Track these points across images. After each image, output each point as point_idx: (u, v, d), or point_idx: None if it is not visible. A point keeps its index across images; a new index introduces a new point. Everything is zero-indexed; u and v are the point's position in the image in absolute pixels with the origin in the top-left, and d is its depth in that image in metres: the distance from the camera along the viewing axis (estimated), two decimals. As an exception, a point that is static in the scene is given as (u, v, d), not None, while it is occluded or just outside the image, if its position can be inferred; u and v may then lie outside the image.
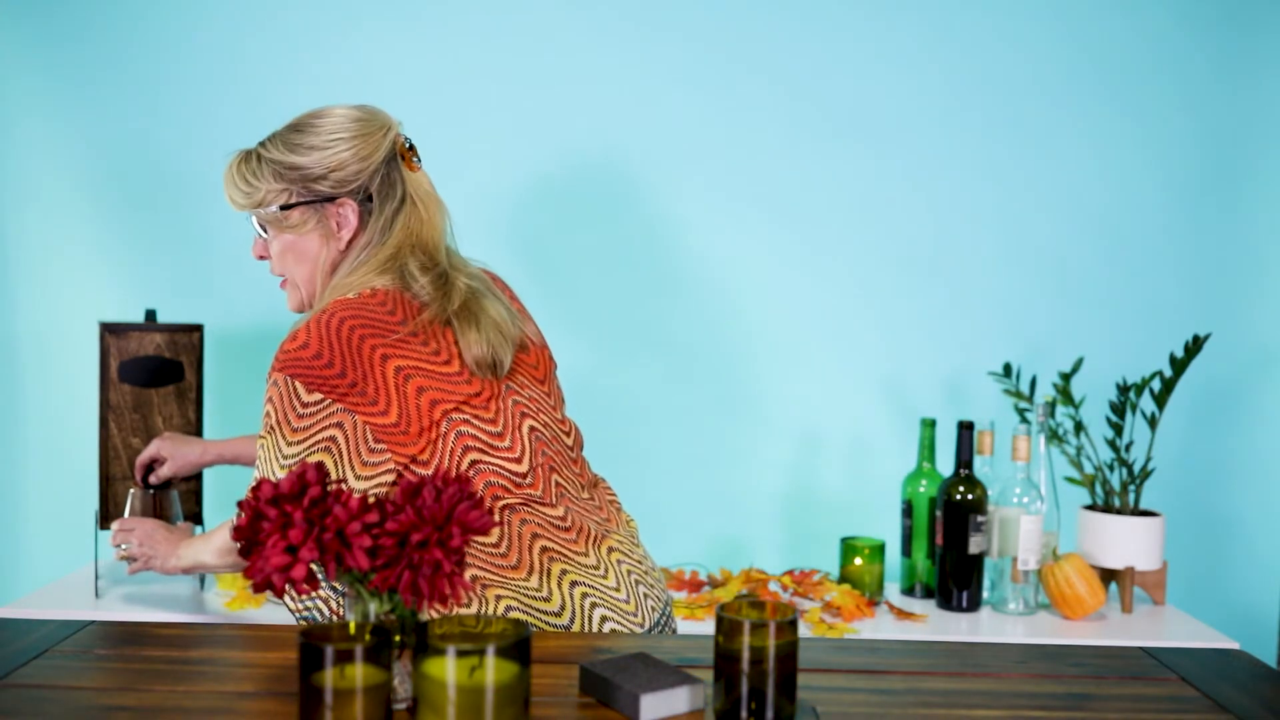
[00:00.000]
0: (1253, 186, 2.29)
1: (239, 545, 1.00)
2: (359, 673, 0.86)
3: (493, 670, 0.85)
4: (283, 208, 1.49)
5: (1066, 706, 1.07)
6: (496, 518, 1.41)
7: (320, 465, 0.94)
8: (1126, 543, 2.03)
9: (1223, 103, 2.28)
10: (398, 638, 0.96)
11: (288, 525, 0.91)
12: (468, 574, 1.37)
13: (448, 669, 0.85)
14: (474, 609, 1.36)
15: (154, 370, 2.01)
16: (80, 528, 2.15)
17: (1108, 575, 2.06)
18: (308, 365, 1.38)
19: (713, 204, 2.29)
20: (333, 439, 1.37)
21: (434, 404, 1.39)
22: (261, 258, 1.56)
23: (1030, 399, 2.12)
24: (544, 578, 1.38)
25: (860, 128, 2.28)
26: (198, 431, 2.04)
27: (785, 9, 2.26)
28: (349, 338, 1.38)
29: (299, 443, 1.37)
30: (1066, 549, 2.19)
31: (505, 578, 1.37)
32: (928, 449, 2.12)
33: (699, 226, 2.30)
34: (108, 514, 2.00)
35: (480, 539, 1.39)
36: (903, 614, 1.99)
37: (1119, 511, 2.07)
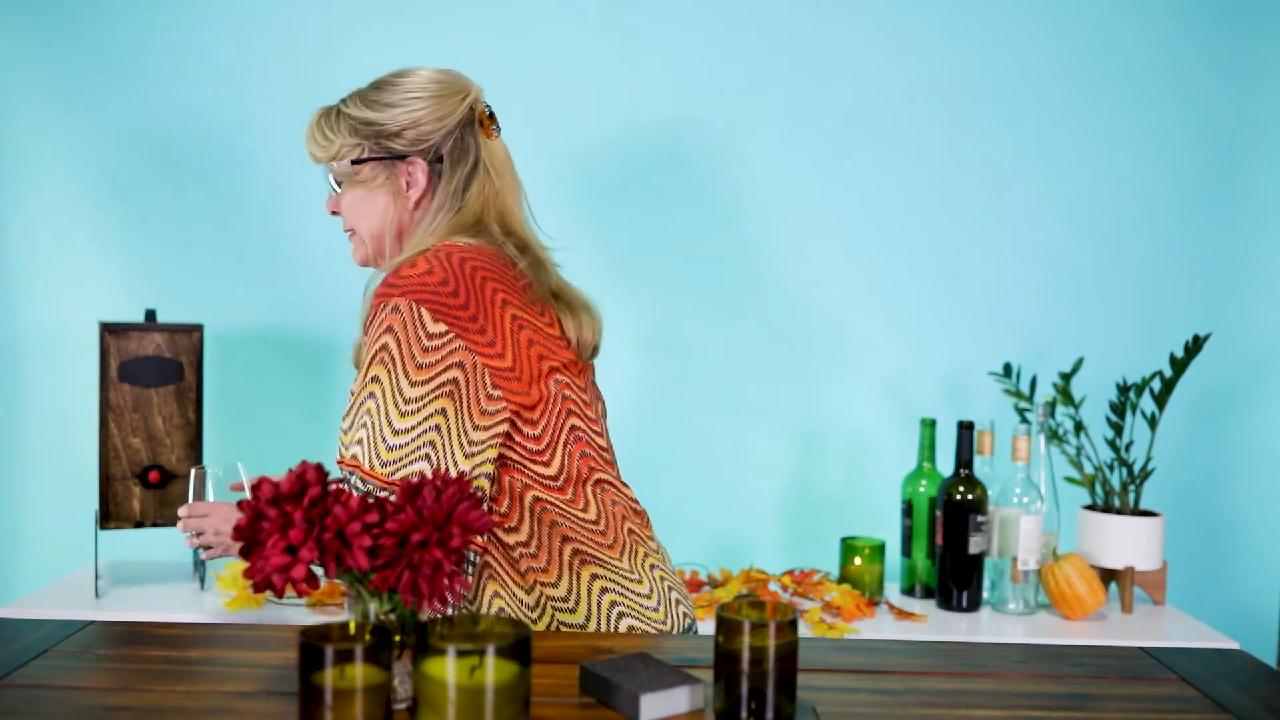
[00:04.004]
0: (1253, 186, 2.29)
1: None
2: (359, 673, 0.86)
3: (493, 670, 0.85)
4: (354, 162, 1.48)
5: (1066, 706, 1.07)
6: (589, 493, 1.41)
7: (320, 466, 0.94)
8: (1126, 543, 2.03)
9: (1223, 103, 2.28)
10: (398, 638, 0.96)
11: (288, 525, 0.90)
12: (568, 548, 1.38)
13: (448, 669, 0.85)
14: (562, 588, 1.37)
15: (154, 370, 2.01)
16: (80, 528, 2.15)
17: (1108, 575, 2.06)
18: (434, 292, 1.32)
19: (712, 204, 2.29)
20: (455, 381, 1.31)
21: (541, 359, 1.38)
22: (334, 213, 1.55)
23: (1030, 399, 2.12)
24: (631, 557, 1.41)
25: (859, 128, 2.28)
26: (198, 431, 2.04)
27: (785, 10, 2.26)
28: (471, 275, 1.35)
29: (424, 383, 1.30)
30: (1066, 549, 2.19)
31: (603, 557, 1.39)
32: (928, 449, 2.12)
33: (697, 226, 2.30)
34: (108, 514, 2.00)
35: (581, 513, 1.39)
36: (903, 614, 1.99)
37: (1119, 511, 2.07)
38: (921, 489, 2.11)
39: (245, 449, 2.21)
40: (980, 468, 2.07)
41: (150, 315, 2.04)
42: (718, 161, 2.29)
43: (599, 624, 1.37)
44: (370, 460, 1.29)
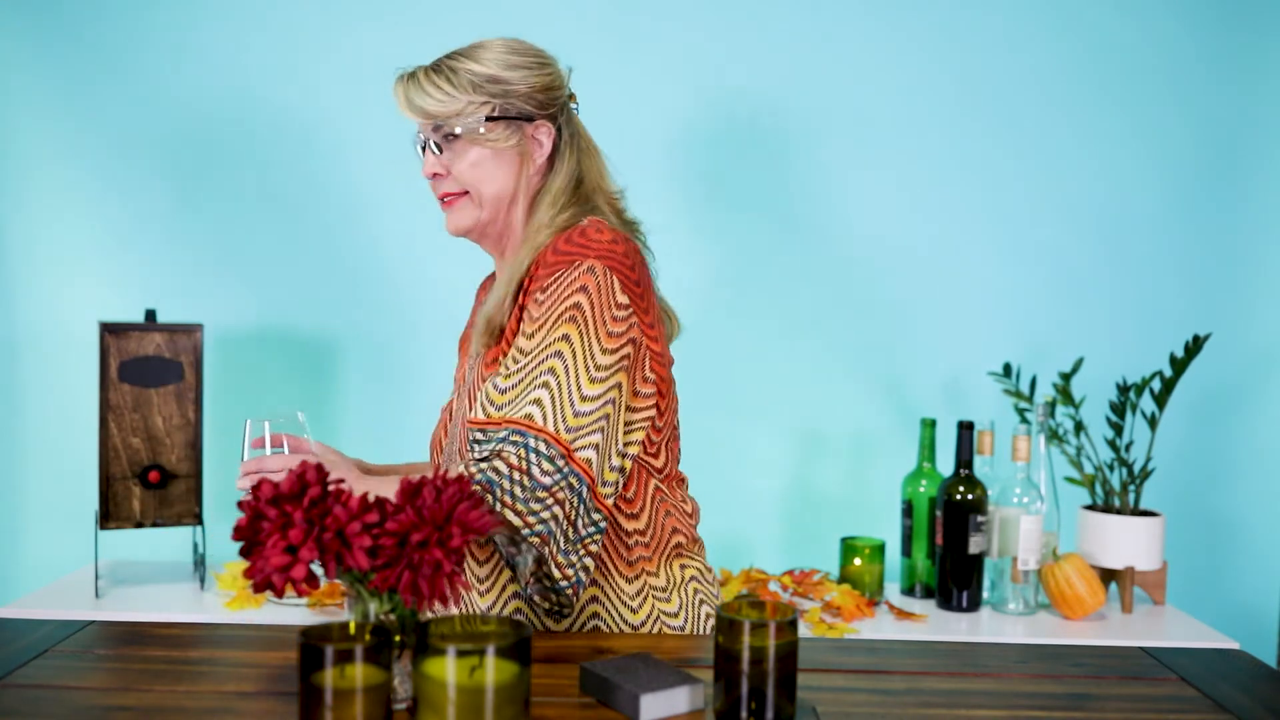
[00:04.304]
0: (1253, 186, 2.29)
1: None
2: (359, 673, 0.86)
3: (493, 670, 0.85)
4: (489, 119, 1.38)
5: (1066, 706, 1.07)
6: (680, 488, 1.44)
7: (320, 466, 0.94)
8: (1126, 543, 2.03)
9: (1223, 103, 2.28)
10: (398, 638, 0.96)
11: (288, 525, 0.90)
12: (674, 540, 1.40)
13: (448, 669, 0.85)
14: (662, 578, 1.39)
15: (154, 370, 2.01)
16: (80, 528, 2.15)
17: (1108, 575, 2.06)
18: (621, 262, 1.30)
19: (710, 204, 2.29)
20: (629, 357, 1.28)
21: (665, 352, 1.40)
22: (435, 175, 1.43)
23: (1030, 399, 2.12)
24: (701, 549, 1.45)
25: (859, 127, 2.28)
26: (198, 431, 2.04)
27: (785, 10, 2.26)
28: (636, 255, 1.34)
29: (613, 352, 1.27)
30: (1066, 549, 2.19)
31: (691, 550, 1.42)
32: (928, 449, 2.12)
33: (695, 226, 2.30)
34: (108, 514, 2.00)
35: (682, 504, 1.41)
36: (903, 614, 1.99)
37: (1119, 511, 2.07)
38: (921, 489, 2.11)
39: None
40: (980, 468, 2.07)
41: (150, 315, 2.04)
42: (714, 161, 2.29)
43: (688, 615, 1.38)
44: (556, 423, 1.23)
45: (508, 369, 1.28)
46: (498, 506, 1.21)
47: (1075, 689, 1.13)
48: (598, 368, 1.26)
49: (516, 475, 1.22)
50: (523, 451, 1.23)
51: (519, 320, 1.33)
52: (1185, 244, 2.29)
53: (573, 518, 1.25)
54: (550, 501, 1.22)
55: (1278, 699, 1.11)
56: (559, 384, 1.25)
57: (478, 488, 1.21)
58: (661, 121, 2.27)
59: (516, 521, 1.22)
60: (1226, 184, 2.29)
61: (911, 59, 2.27)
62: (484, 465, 1.23)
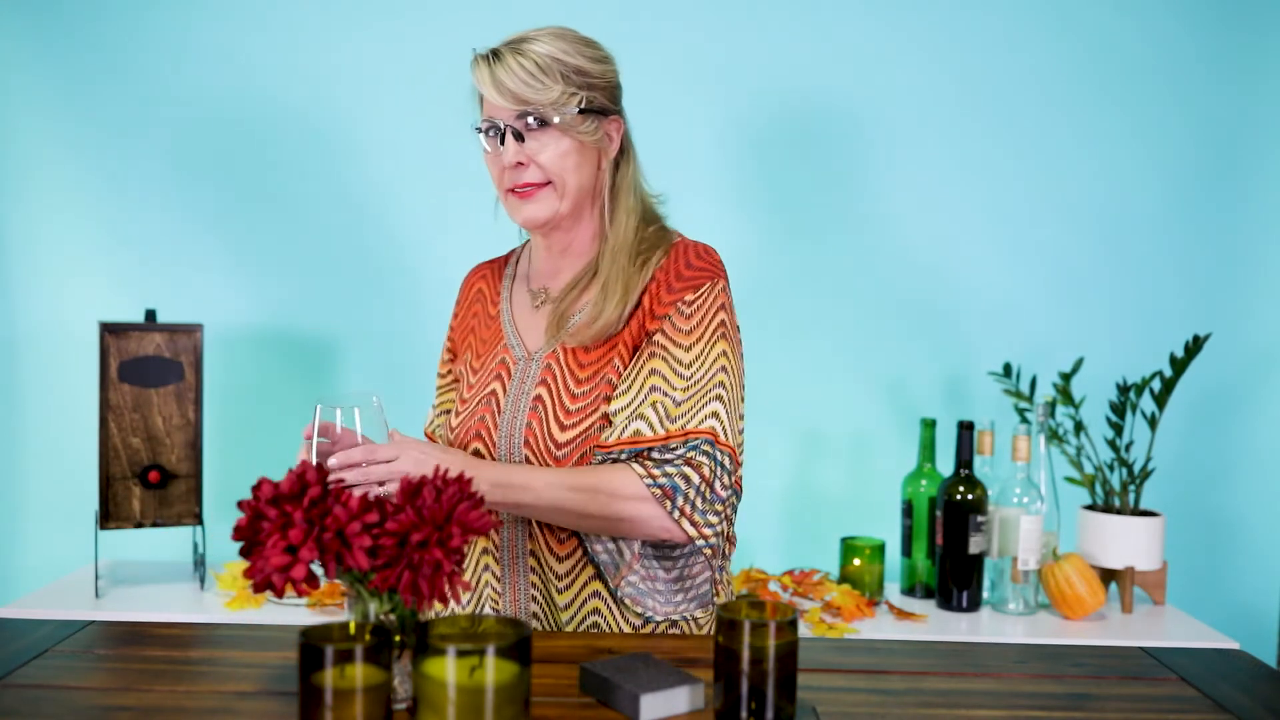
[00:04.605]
0: (1253, 186, 2.29)
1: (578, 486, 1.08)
2: (359, 673, 0.86)
3: (493, 670, 0.85)
4: (581, 110, 1.35)
5: (1066, 706, 1.07)
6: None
7: (320, 465, 0.94)
8: (1126, 543, 2.03)
9: (1222, 103, 2.28)
10: (398, 638, 0.96)
11: (288, 525, 0.90)
12: (733, 549, 1.43)
13: (448, 669, 0.85)
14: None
15: (154, 370, 2.01)
16: (80, 528, 2.15)
17: (1108, 575, 2.06)
18: (729, 283, 1.37)
19: (709, 203, 2.29)
20: (744, 373, 1.36)
21: None
22: (519, 164, 1.37)
23: (1030, 399, 2.12)
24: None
25: (859, 128, 2.28)
26: (198, 431, 2.04)
27: (785, 10, 2.26)
28: None
29: (742, 371, 1.35)
30: (1066, 549, 2.19)
31: (728, 550, 1.43)
32: (928, 449, 2.12)
33: (696, 225, 2.29)
34: (108, 514, 2.00)
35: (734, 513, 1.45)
36: (903, 614, 1.99)
37: (1119, 511, 2.07)
38: (921, 489, 2.11)
39: (245, 449, 2.22)
40: (980, 468, 2.07)
41: (150, 315, 2.04)
42: (714, 162, 2.29)
43: None
44: (732, 437, 1.29)
45: (672, 383, 1.30)
46: (675, 514, 1.25)
47: (1075, 689, 1.13)
48: (741, 386, 1.32)
49: (703, 486, 1.26)
50: (712, 464, 1.28)
51: (640, 325, 1.35)
52: (1185, 244, 2.29)
53: (727, 532, 1.31)
54: (721, 514, 1.28)
55: (1278, 699, 1.11)
56: (729, 399, 1.30)
57: (658, 490, 1.25)
58: (659, 123, 2.27)
59: (691, 531, 1.27)
60: (1226, 184, 2.29)
61: (911, 59, 2.27)
62: (670, 470, 1.26)
